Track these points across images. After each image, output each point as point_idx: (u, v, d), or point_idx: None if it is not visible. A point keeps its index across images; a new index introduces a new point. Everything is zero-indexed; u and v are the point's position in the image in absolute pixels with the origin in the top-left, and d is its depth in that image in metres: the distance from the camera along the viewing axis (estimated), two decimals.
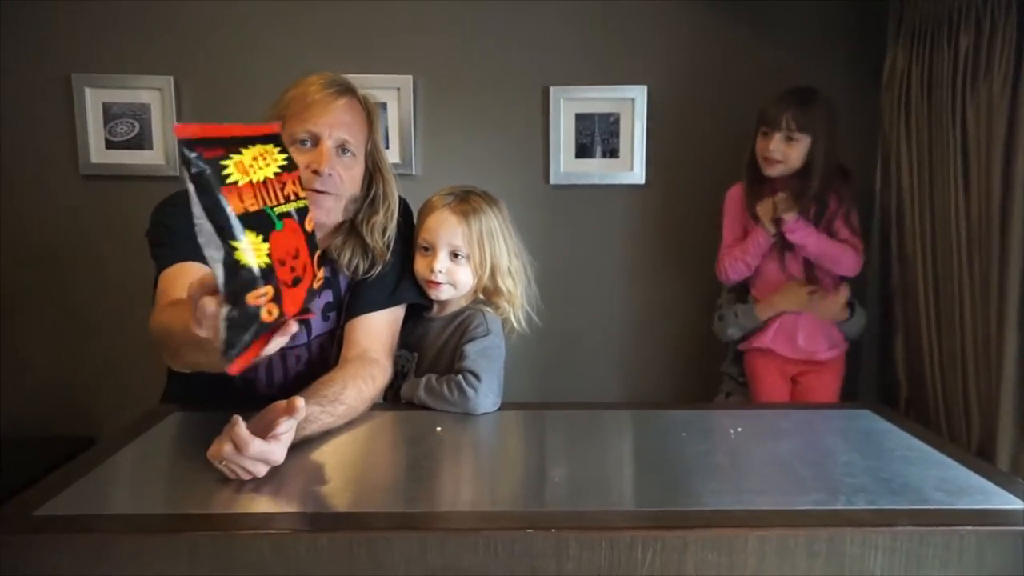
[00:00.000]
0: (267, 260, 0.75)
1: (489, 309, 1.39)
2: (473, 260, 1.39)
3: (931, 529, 0.88)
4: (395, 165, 2.11)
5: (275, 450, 1.00)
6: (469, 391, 1.28)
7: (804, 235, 1.82)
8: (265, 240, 0.75)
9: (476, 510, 0.95)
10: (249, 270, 0.74)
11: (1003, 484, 1.01)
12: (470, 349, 1.32)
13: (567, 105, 2.14)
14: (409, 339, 1.45)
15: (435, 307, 1.43)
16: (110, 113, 2.11)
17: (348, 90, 1.32)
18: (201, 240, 0.73)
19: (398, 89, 2.12)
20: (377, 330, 1.37)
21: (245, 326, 0.75)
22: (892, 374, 1.98)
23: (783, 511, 0.92)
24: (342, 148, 1.30)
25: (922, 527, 0.89)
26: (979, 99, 1.60)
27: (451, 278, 1.38)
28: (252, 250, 0.74)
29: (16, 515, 0.90)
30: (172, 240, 1.26)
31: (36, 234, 2.12)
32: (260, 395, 1.37)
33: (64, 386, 2.17)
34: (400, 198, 1.47)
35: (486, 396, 1.30)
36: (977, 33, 1.61)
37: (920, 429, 1.28)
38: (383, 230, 1.36)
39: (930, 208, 1.79)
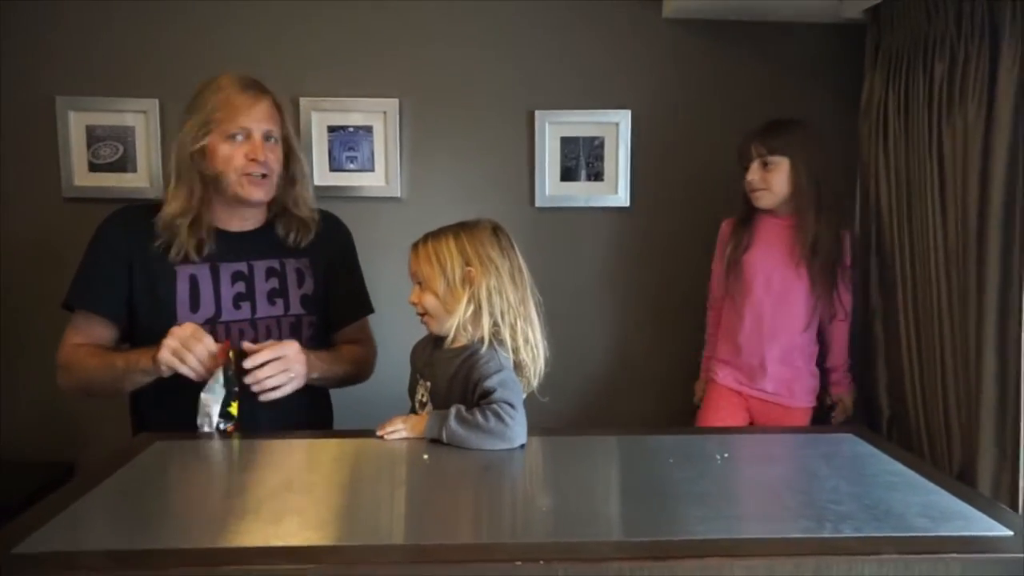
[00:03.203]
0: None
1: (499, 350, 1.35)
2: (427, 282, 1.37)
3: (917, 557, 0.89)
4: (380, 188, 2.15)
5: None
6: (507, 419, 1.25)
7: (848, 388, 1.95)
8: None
9: (464, 542, 0.95)
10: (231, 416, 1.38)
11: (985, 510, 1.02)
12: (493, 382, 1.29)
13: (552, 129, 2.16)
14: (423, 368, 1.44)
15: (448, 322, 1.37)
16: (94, 135, 2.10)
17: (263, 90, 1.56)
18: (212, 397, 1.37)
19: (384, 112, 2.12)
20: (361, 328, 1.74)
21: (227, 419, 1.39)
22: (874, 396, 1.99)
23: (770, 539, 0.93)
24: (267, 136, 1.54)
25: (908, 555, 0.90)
26: (955, 125, 1.64)
27: (423, 307, 1.39)
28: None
29: None
30: (90, 278, 1.55)
31: (17, 257, 2.10)
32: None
33: (42, 411, 2.13)
34: (334, 215, 1.74)
35: (522, 427, 1.28)
36: (951, 61, 1.65)
37: (903, 453, 1.30)
38: (305, 201, 1.63)
39: (908, 232, 1.82)
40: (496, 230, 1.40)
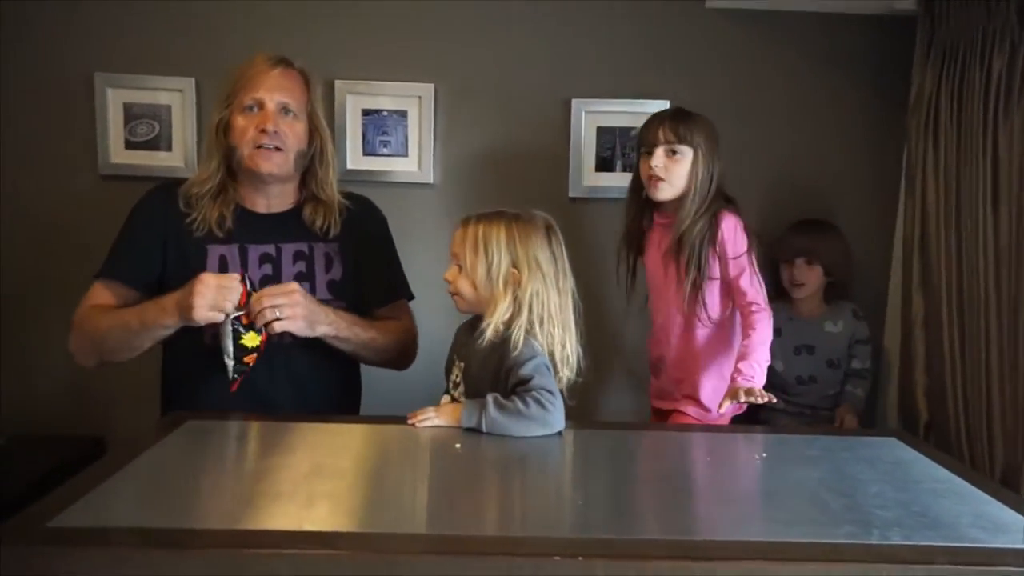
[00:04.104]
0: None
1: (530, 338, 1.32)
2: (467, 268, 1.34)
3: (970, 568, 0.86)
4: (413, 174, 2.13)
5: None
6: (548, 406, 1.24)
7: (758, 375, 1.50)
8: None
9: (500, 534, 0.93)
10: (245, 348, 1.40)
11: None
12: (528, 369, 1.27)
13: (589, 118, 2.12)
14: (460, 349, 1.43)
15: (484, 320, 1.35)
16: (131, 113, 2.10)
17: (283, 60, 1.52)
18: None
19: (419, 97, 2.10)
20: (397, 311, 1.69)
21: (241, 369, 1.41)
22: (911, 400, 1.94)
23: (816, 544, 0.90)
24: (284, 109, 1.50)
25: (961, 565, 0.86)
26: (1012, 122, 1.58)
27: (455, 287, 1.37)
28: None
29: (30, 525, 0.89)
30: (123, 251, 1.55)
31: (54, 232, 2.11)
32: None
33: (72, 384, 2.15)
34: (367, 198, 1.71)
35: (561, 413, 1.26)
36: (1012, 55, 1.58)
37: (947, 459, 1.26)
38: (329, 184, 1.59)
39: (956, 233, 1.76)
40: (549, 230, 1.37)
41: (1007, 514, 1.00)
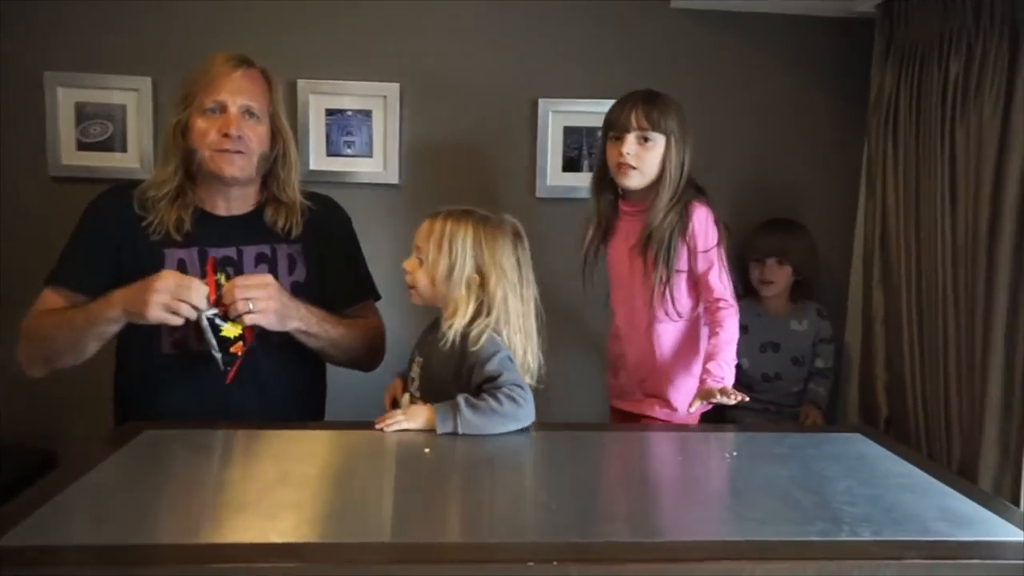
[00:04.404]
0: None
1: (493, 334, 1.32)
2: (428, 264, 1.33)
3: (940, 562, 0.87)
4: (378, 174, 2.10)
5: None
6: (520, 400, 1.24)
7: (728, 375, 1.47)
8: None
9: (472, 541, 0.91)
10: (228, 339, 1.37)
11: (1004, 514, 1.00)
12: (495, 365, 1.26)
13: (555, 118, 2.12)
14: (420, 344, 1.42)
15: (445, 321, 1.34)
16: (83, 113, 2.03)
17: (245, 61, 1.48)
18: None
19: (384, 97, 2.07)
20: (364, 311, 1.65)
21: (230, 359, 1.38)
22: (872, 396, 1.98)
23: (790, 542, 0.90)
24: (247, 112, 1.46)
25: (931, 560, 0.87)
26: (969, 123, 1.61)
27: (412, 279, 1.36)
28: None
29: None
30: (74, 256, 1.49)
31: (2, 236, 2.03)
32: (193, 353, 1.46)
33: (20, 395, 2.07)
34: (331, 198, 1.68)
35: (531, 406, 1.27)
36: (968, 58, 1.62)
37: (911, 453, 1.28)
38: (290, 185, 1.55)
39: (916, 231, 1.79)
40: (517, 236, 1.36)
41: (969, 507, 1.02)
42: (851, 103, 2.14)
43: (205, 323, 1.33)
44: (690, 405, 1.44)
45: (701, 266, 1.53)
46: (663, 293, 1.53)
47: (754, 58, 2.16)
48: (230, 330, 1.36)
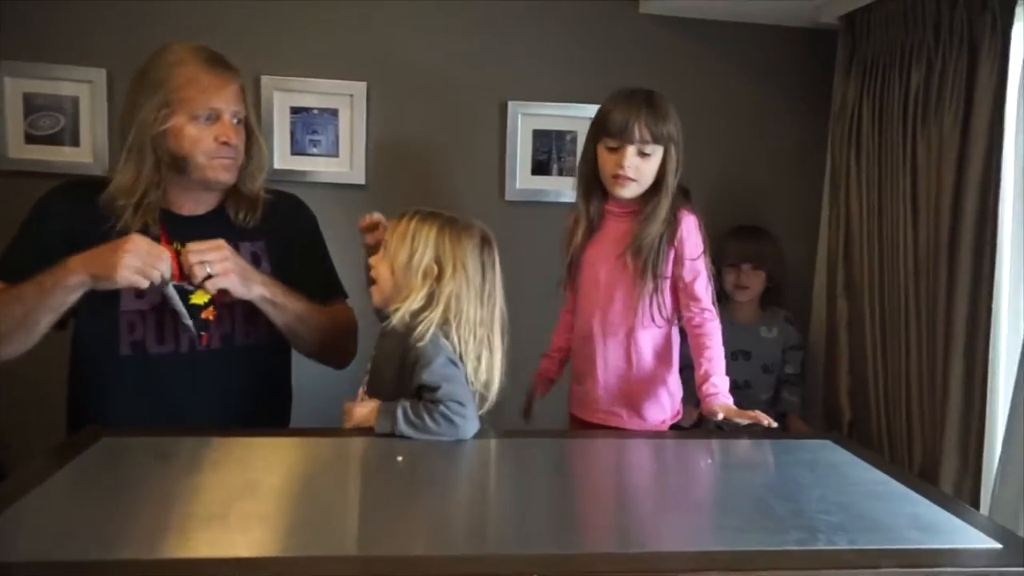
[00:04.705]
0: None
1: (438, 334, 1.29)
2: (390, 254, 1.32)
3: (914, 571, 0.88)
4: (344, 174, 2.06)
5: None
6: (457, 419, 1.22)
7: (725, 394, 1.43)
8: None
9: (448, 554, 0.88)
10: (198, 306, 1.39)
11: (973, 522, 1.01)
12: (435, 376, 1.24)
13: (525, 121, 2.11)
14: (377, 343, 1.39)
15: (393, 305, 1.32)
16: (32, 105, 1.95)
17: (232, 69, 1.47)
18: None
19: (351, 96, 2.03)
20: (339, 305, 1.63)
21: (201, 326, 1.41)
22: (835, 400, 2.01)
23: (769, 552, 0.90)
24: (236, 119, 1.46)
25: (906, 568, 0.88)
26: (930, 134, 1.65)
27: (376, 273, 1.34)
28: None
29: None
30: (23, 249, 1.41)
31: None
32: (151, 355, 1.43)
33: None
34: (297, 197, 1.66)
35: (472, 420, 1.25)
36: (928, 70, 1.66)
37: (881, 461, 1.30)
38: (255, 179, 1.53)
39: (878, 239, 1.84)
40: (485, 242, 1.34)
41: (938, 513, 1.03)
42: (814, 112, 2.19)
43: (172, 291, 1.32)
44: (714, 416, 1.38)
45: (688, 275, 1.48)
46: (651, 299, 1.48)
47: (720, 65, 2.19)
48: (199, 297, 1.36)
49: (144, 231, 1.39)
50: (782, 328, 2.10)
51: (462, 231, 1.33)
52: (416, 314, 1.28)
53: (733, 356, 2.03)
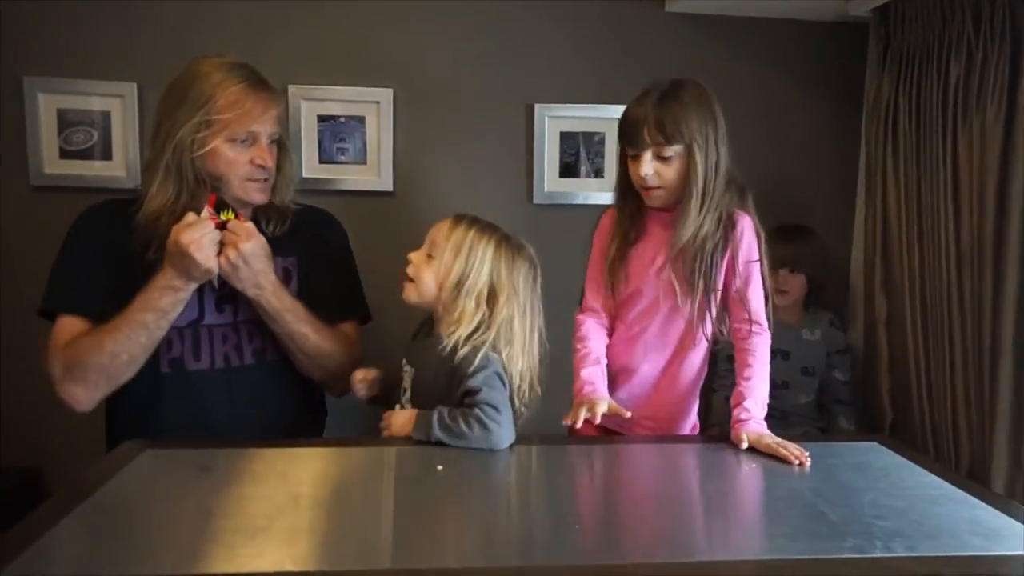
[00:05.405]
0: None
1: (491, 351, 1.29)
2: (439, 261, 1.30)
3: None
4: (372, 182, 2.06)
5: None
6: (492, 424, 1.21)
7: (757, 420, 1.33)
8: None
9: (491, 565, 0.87)
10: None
11: None
12: (478, 380, 1.24)
13: (552, 123, 2.09)
14: (411, 355, 1.38)
15: (446, 328, 1.31)
16: (65, 120, 1.97)
17: (273, 91, 1.47)
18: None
19: (377, 103, 2.03)
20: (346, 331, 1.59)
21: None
22: (876, 401, 1.97)
23: (825, 560, 0.87)
24: (271, 140, 1.46)
25: None
26: (971, 129, 1.61)
27: (416, 272, 1.33)
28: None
29: None
30: (72, 278, 1.42)
31: None
32: (189, 372, 1.44)
33: (5, 410, 2.00)
34: (329, 213, 1.67)
35: (508, 429, 1.23)
36: (968, 62, 1.62)
37: (933, 463, 1.27)
38: (285, 191, 1.54)
39: (918, 236, 1.79)
40: (533, 265, 1.36)
41: (1001, 519, 1.00)
42: (845, 107, 2.15)
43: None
44: (740, 443, 1.26)
45: (740, 282, 1.37)
46: (704, 312, 1.37)
47: (747, 62, 2.15)
48: (226, 215, 1.37)
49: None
50: (826, 331, 2.03)
51: (516, 252, 1.32)
52: (468, 337, 1.28)
53: (771, 355, 1.98)
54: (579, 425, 1.28)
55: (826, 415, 2.05)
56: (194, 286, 1.34)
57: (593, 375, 1.39)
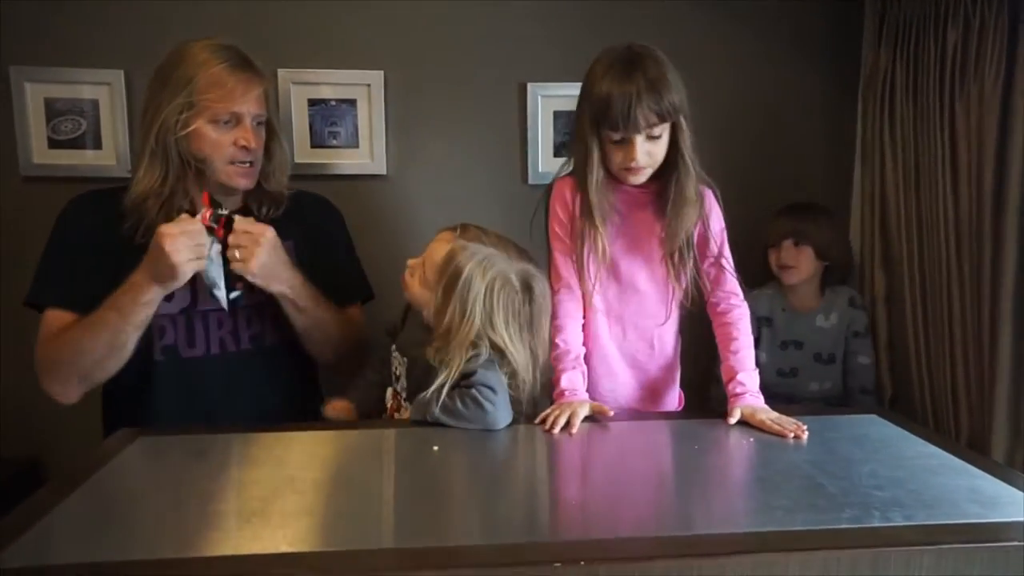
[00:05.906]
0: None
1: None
2: (432, 295, 1.27)
3: (978, 546, 0.84)
4: (365, 165, 2.04)
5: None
6: (487, 405, 1.21)
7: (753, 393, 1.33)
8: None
9: (492, 542, 0.87)
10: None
11: None
12: (473, 365, 1.24)
13: (545, 102, 2.07)
14: (406, 346, 1.37)
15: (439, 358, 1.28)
16: (53, 110, 1.95)
17: (257, 71, 1.43)
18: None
19: (368, 85, 2.01)
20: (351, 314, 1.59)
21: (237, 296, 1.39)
22: (876, 375, 1.96)
23: (823, 531, 0.87)
24: (256, 122, 1.44)
25: (968, 544, 0.84)
26: (969, 97, 1.59)
27: (410, 287, 1.34)
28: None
29: None
30: (58, 270, 1.40)
31: None
32: (183, 359, 1.43)
33: (2, 401, 1.99)
34: (324, 197, 1.65)
35: (504, 409, 1.24)
36: (966, 29, 1.60)
37: (932, 434, 1.27)
38: (278, 176, 1.52)
39: (916, 208, 1.78)
40: (528, 289, 1.29)
41: (1001, 487, 1.00)
42: (841, 82, 2.12)
43: (217, 258, 1.32)
44: (729, 416, 1.27)
45: (714, 250, 1.38)
46: (680, 285, 1.37)
47: (742, 37, 2.13)
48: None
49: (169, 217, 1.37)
50: (844, 312, 1.90)
51: (507, 284, 1.26)
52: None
53: (783, 346, 1.91)
54: (557, 432, 1.23)
55: (852, 404, 1.93)
56: (159, 291, 1.29)
57: (573, 379, 1.34)
